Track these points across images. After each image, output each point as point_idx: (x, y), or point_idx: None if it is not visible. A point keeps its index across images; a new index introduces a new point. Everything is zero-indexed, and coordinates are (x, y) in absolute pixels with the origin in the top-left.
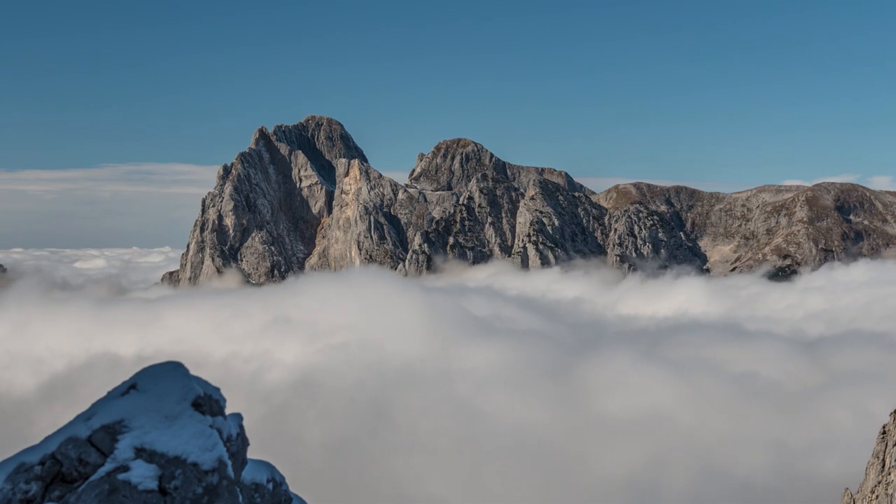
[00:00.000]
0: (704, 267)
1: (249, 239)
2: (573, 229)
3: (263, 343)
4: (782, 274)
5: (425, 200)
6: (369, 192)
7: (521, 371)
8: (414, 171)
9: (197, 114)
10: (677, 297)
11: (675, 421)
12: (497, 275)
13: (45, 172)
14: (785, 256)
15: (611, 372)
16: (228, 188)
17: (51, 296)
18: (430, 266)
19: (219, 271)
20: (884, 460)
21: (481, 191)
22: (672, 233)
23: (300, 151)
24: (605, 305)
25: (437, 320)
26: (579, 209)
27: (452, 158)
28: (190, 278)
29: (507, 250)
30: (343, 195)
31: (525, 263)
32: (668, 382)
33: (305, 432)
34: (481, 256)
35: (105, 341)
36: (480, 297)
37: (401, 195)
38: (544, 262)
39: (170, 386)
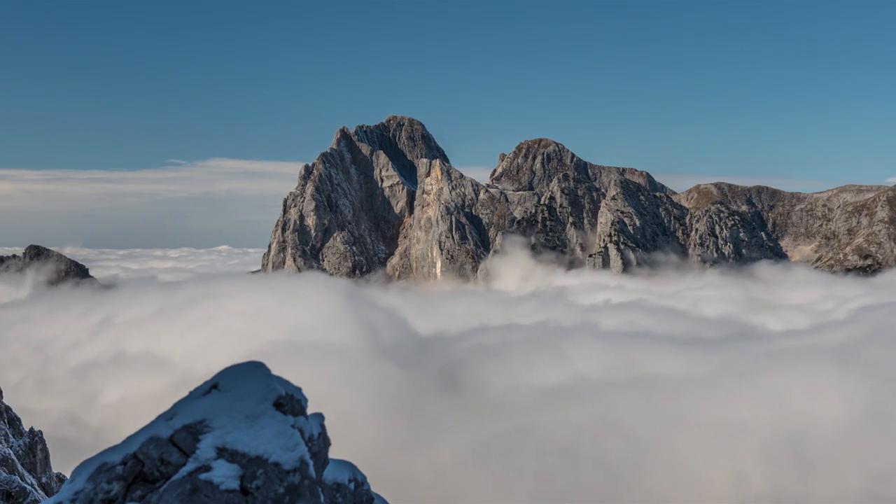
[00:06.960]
0: None
1: (331, 239)
2: (654, 229)
3: None
4: None
5: (507, 200)
6: (451, 192)
7: None
8: (495, 171)
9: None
10: None
11: None
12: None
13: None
14: (866, 256)
15: None
16: (310, 188)
17: None
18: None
19: (300, 271)
20: None
21: (562, 191)
22: (753, 233)
23: (382, 151)
24: None
25: None
26: (660, 209)
27: (534, 158)
28: None
29: (588, 250)
30: (424, 195)
31: (606, 263)
32: None
33: None
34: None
35: None
36: None
37: (482, 195)
38: (626, 263)
39: (251, 386)
